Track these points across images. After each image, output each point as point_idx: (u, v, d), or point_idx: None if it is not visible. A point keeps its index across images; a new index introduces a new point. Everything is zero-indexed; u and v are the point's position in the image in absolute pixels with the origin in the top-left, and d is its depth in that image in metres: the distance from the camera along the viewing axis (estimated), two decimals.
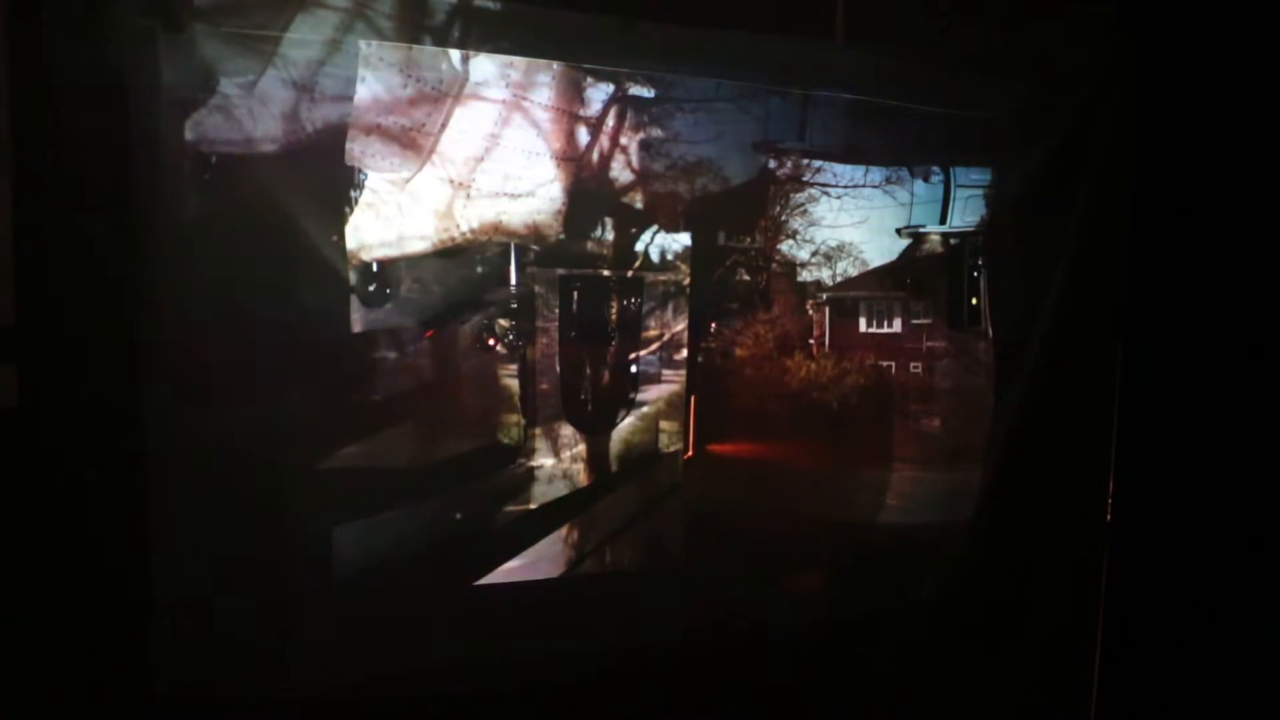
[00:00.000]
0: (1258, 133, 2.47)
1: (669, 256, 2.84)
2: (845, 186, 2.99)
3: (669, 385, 2.83)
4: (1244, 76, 2.47)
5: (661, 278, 2.83)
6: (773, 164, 2.98)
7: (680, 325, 2.82)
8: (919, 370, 3.12)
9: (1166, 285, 2.63)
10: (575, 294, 2.71)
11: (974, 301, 3.07)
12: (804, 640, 2.84)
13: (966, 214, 3.10)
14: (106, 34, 1.95)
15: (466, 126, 2.50)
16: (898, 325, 3.25)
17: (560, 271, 2.71)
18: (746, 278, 2.92)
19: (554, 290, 2.73)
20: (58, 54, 1.93)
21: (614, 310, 2.75)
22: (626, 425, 2.80)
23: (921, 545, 3.10)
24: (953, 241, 3.12)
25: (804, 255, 2.96)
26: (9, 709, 1.95)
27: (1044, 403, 2.82)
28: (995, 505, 2.87)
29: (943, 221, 3.10)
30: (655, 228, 2.83)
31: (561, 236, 2.63)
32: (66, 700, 1.98)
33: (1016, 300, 2.90)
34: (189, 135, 2.14)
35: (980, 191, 3.07)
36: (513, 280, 2.62)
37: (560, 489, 2.76)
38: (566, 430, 2.76)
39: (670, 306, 2.84)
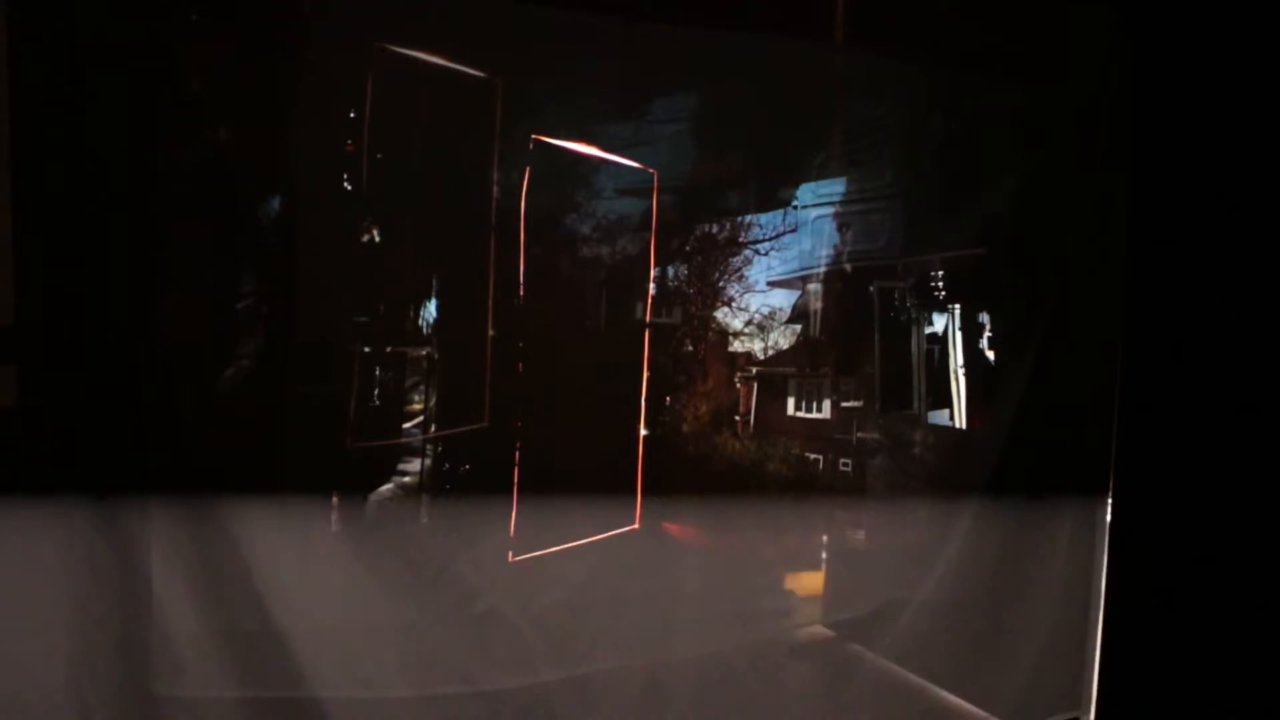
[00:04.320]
0: (1257, 132, 2.47)
1: None
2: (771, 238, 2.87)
3: None
4: (1243, 76, 2.47)
5: None
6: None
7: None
8: None
9: (1166, 285, 2.63)
10: None
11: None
12: (803, 640, 2.84)
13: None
14: (109, 35, 1.96)
15: None
16: None
17: None
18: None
19: None
20: (59, 54, 1.93)
21: None
22: None
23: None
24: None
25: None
26: (9, 709, 1.95)
27: (1044, 402, 2.82)
28: (995, 505, 2.87)
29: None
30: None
31: None
32: (67, 700, 1.98)
33: (1016, 302, 2.90)
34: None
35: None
36: None
37: None
38: None
39: None
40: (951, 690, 2.85)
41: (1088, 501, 2.81)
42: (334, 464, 2.49)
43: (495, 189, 2.70)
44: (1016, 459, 2.85)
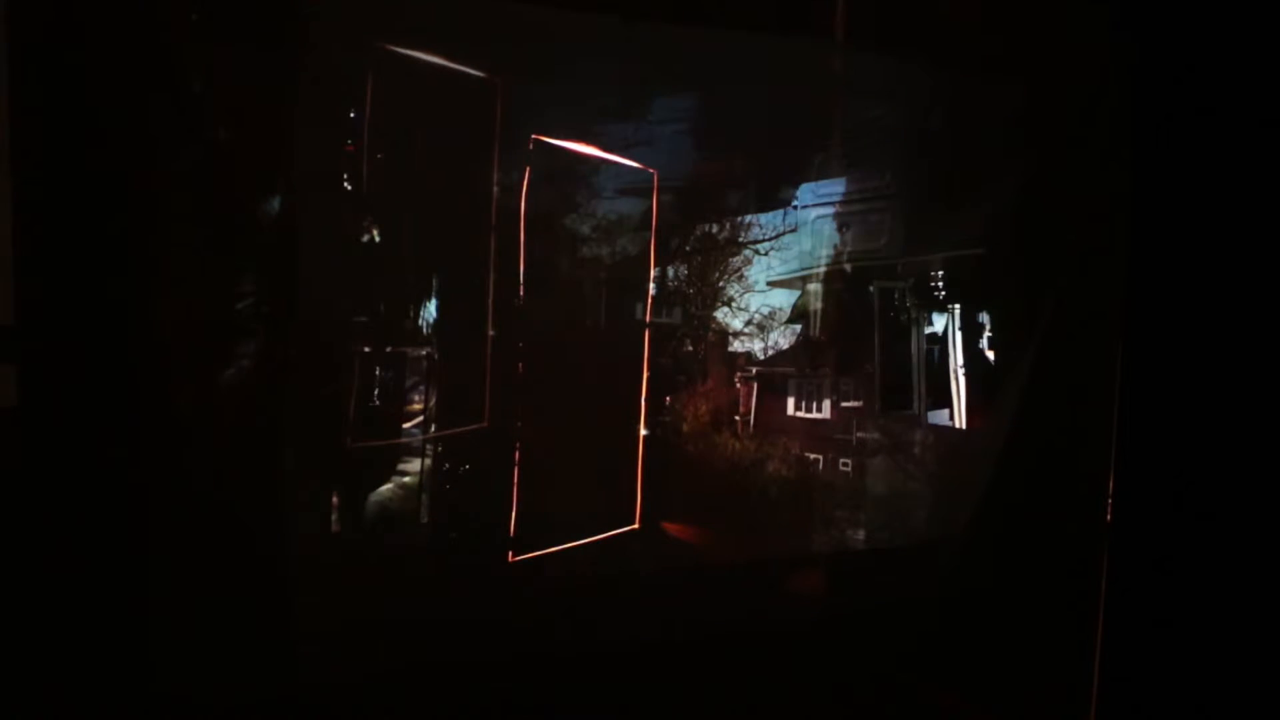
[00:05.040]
0: (1257, 132, 2.46)
1: None
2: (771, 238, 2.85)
3: None
4: (1243, 76, 2.47)
5: None
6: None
7: None
8: None
9: (1166, 285, 2.63)
10: None
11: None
12: (803, 639, 2.84)
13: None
14: (109, 35, 1.96)
15: None
16: None
17: None
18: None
19: None
20: (59, 55, 1.93)
21: None
22: None
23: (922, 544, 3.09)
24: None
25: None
26: (9, 709, 1.95)
27: (1044, 402, 2.82)
28: (995, 505, 2.87)
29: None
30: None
31: None
32: (67, 700, 1.98)
33: (1016, 301, 2.90)
34: None
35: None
36: None
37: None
38: None
39: None
40: (951, 689, 2.85)
41: (1088, 501, 2.80)
42: (334, 463, 2.50)
43: (495, 189, 2.70)
44: (1016, 459, 2.85)
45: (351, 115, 2.46)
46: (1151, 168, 2.63)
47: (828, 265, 3.02)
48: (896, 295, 3.18)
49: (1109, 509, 2.75)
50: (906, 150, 3.02)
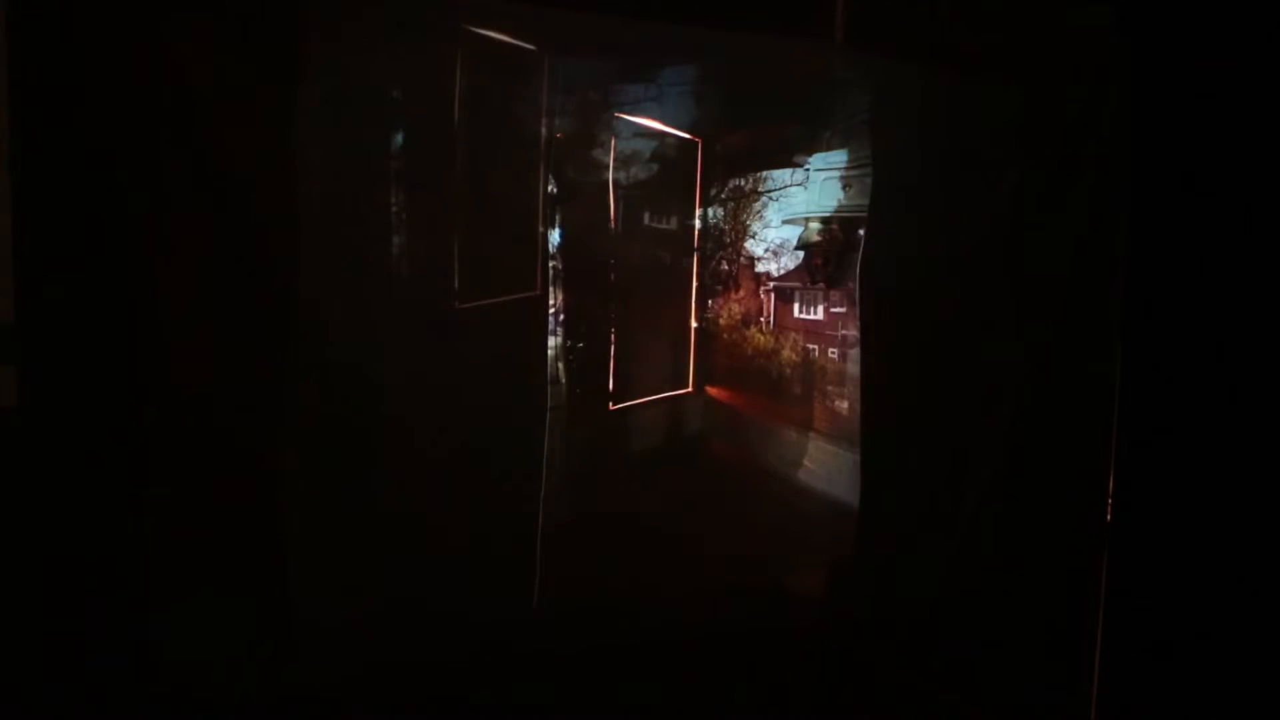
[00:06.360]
0: (1256, 133, 2.47)
1: None
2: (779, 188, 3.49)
3: None
4: (1243, 77, 2.47)
5: None
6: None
7: None
8: None
9: (1166, 285, 2.63)
10: None
11: None
12: (803, 639, 2.85)
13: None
14: (109, 33, 1.96)
15: None
16: None
17: None
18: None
19: None
20: (59, 55, 1.93)
21: None
22: None
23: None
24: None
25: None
26: (9, 709, 1.95)
27: (1043, 403, 2.82)
28: (994, 505, 2.87)
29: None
30: None
31: None
32: (67, 700, 1.98)
33: (1015, 301, 2.90)
34: None
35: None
36: None
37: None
38: None
39: None
40: (951, 689, 2.85)
41: (1088, 501, 2.80)
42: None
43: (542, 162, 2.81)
44: (1015, 459, 2.85)
45: (359, 105, 2.43)
46: (1151, 168, 2.64)
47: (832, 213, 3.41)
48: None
49: (1109, 509, 2.75)
50: (904, 152, 3.02)
